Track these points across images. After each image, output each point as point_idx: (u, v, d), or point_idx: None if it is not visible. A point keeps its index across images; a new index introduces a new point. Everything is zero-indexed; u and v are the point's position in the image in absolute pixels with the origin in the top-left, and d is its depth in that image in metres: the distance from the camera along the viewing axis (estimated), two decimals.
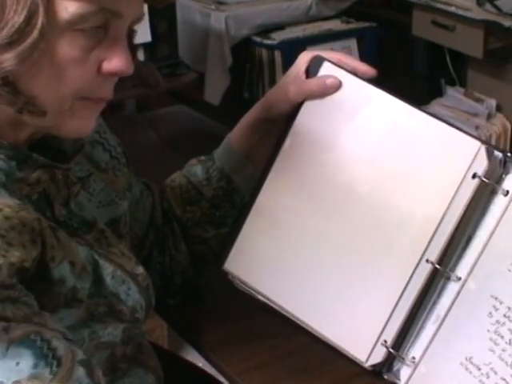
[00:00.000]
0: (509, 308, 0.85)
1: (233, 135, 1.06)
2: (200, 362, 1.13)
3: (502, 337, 0.86)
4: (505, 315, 0.86)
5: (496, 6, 2.54)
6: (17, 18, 0.68)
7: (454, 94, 2.81)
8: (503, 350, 0.85)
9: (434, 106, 2.77)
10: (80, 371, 0.71)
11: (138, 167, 1.02)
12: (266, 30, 2.90)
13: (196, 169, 1.06)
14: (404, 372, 0.92)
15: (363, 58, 2.89)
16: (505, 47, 2.56)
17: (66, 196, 0.84)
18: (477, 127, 2.64)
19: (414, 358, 0.92)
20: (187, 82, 2.41)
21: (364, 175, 0.95)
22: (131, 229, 0.99)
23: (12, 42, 0.68)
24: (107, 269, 0.84)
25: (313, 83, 0.99)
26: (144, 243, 1.03)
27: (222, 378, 1.05)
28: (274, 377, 0.96)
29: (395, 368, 0.93)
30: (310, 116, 1.00)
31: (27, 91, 0.72)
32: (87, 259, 0.81)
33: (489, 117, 2.70)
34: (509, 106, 2.71)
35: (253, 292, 1.02)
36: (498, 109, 2.74)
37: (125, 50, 0.75)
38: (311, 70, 1.00)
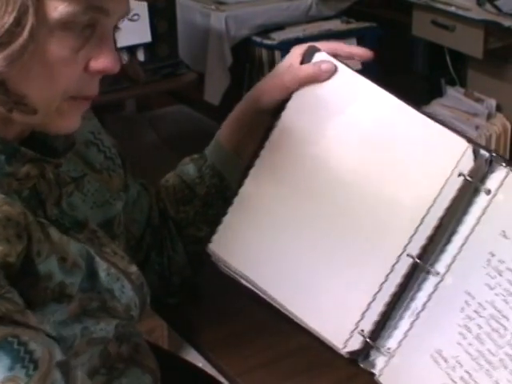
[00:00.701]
0: (479, 304, 0.87)
1: (221, 131, 1.06)
2: (200, 363, 1.13)
3: (471, 331, 0.87)
4: (475, 311, 0.87)
5: (496, 6, 2.54)
6: (6, 19, 0.68)
7: (454, 93, 2.81)
8: (470, 344, 0.86)
9: (434, 105, 2.77)
10: (56, 374, 0.72)
11: (138, 167, 1.02)
12: (266, 30, 2.90)
13: (189, 168, 1.06)
14: (379, 362, 0.94)
15: None
16: (505, 47, 2.56)
17: (57, 196, 0.84)
18: (477, 127, 2.64)
19: (389, 348, 0.93)
20: (187, 81, 2.40)
21: (351, 167, 0.96)
22: (128, 230, 0.99)
23: (1, 44, 0.68)
24: (102, 265, 0.84)
25: (308, 68, 0.99)
26: (141, 244, 1.03)
27: (222, 379, 1.05)
28: (274, 377, 0.96)
29: (371, 357, 0.94)
30: (298, 106, 1.00)
31: (17, 91, 0.72)
32: (80, 254, 0.81)
33: (489, 117, 2.70)
34: (509, 106, 2.71)
35: (236, 276, 1.02)
36: (498, 109, 2.74)
37: (111, 48, 0.76)
38: (305, 60, 1.00)
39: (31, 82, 0.72)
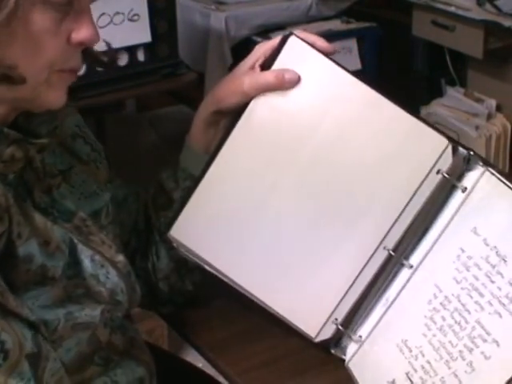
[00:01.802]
0: (446, 297, 0.89)
1: (190, 133, 1.03)
2: (200, 363, 1.13)
3: (435, 323, 0.89)
4: (441, 303, 0.89)
5: (496, 6, 2.54)
6: None
7: (454, 93, 2.81)
8: (433, 336, 0.89)
9: (434, 106, 2.77)
10: (25, 366, 0.73)
11: (138, 167, 1.02)
12: (266, 30, 2.89)
13: (166, 174, 1.05)
14: (350, 349, 0.96)
15: (363, 58, 2.89)
16: (505, 47, 2.56)
17: (45, 185, 0.85)
18: (477, 127, 2.64)
19: (360, 336, 0.95)
20: (187, 81, 2.40)
21: (331, 157, 0.94)
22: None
23: None
24: (86, 252, 0.85)
25: (270, 75, 0.94)
26: (127, 248, 1.03)
27: (221, 379, 1.05)
28: (274, 377, 0.96)
29: (343, 344, 0.97)
30: (271, 92, 0.95)
31: (5, 61, 0.74)
32: (63, 239, 0.83)
33: (489, 117, 2.69)
34: (509, 106, 2.71)
35: (201, 263, 1.00)
36: (498, 109, 2.74)
37: (91, 21, 0.79)
38: (276, 47, 0.97)
39: (18, 52, 0.75)
